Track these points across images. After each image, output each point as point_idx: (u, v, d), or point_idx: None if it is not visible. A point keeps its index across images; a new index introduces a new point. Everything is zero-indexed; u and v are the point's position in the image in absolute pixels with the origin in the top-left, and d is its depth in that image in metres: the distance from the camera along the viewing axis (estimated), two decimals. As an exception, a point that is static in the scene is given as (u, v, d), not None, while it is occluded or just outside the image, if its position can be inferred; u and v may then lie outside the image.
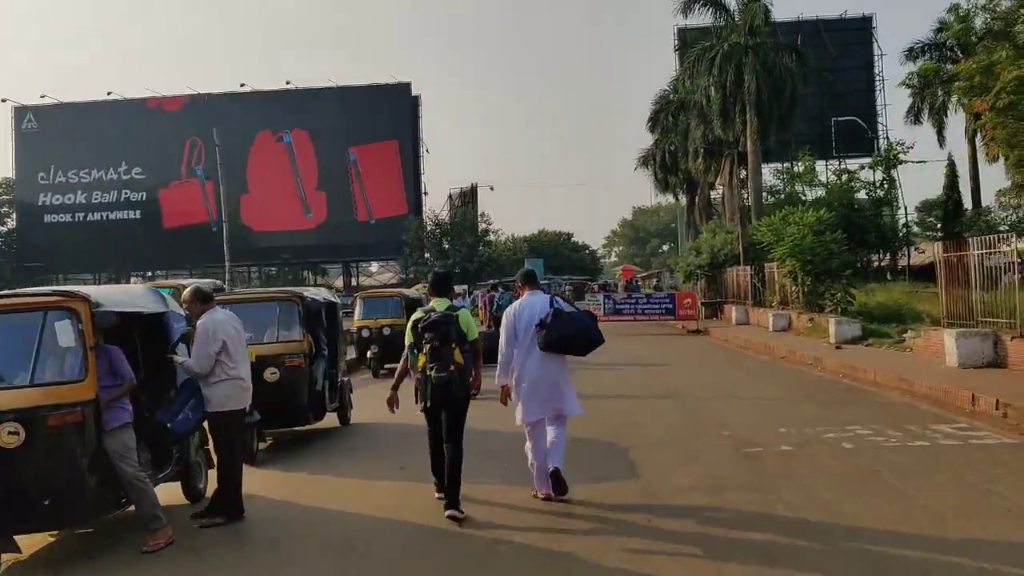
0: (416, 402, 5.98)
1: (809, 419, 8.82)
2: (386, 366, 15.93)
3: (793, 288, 21.01)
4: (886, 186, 38.20)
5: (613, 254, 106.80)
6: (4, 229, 60.35)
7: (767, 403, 10.36)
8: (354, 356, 16.07)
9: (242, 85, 58.25)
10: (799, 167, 37.05)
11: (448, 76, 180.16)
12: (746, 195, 28.95)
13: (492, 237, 50.67)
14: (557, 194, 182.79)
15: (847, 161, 43.34)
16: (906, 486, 6.01)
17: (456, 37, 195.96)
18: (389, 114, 55.88)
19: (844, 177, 38.87)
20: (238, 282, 60.77)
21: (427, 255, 48.52)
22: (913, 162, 38.07)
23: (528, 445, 6.24)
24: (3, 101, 58.22)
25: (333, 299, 9.87)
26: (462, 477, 5.88)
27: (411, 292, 17.21)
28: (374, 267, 76.96)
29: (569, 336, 6.07)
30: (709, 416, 9.46)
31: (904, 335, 16.06)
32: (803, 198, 36.03)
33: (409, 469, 7.20)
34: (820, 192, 38.59)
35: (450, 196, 56.14)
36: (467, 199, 54.32)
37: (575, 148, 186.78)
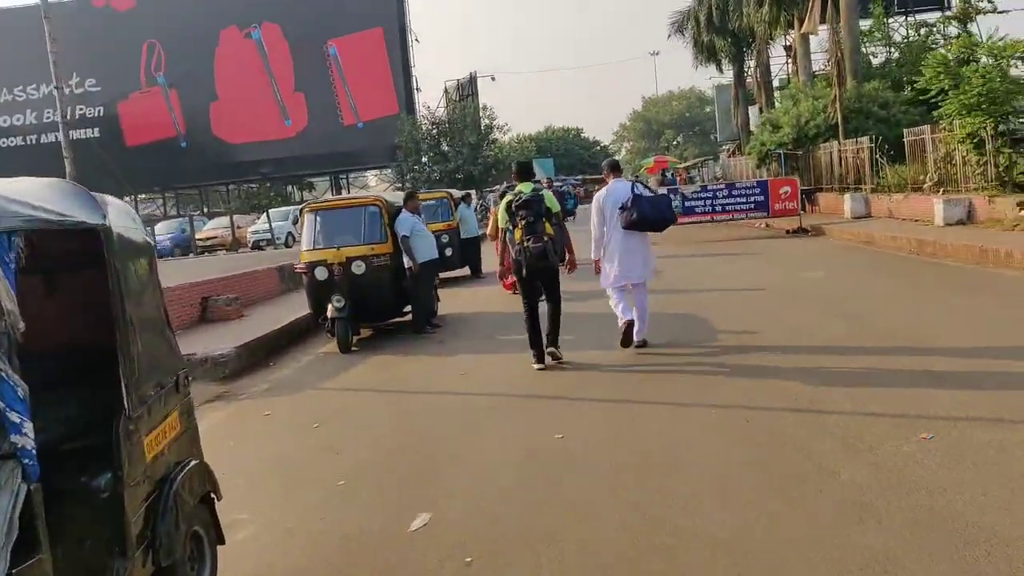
0: (509, 275, 7.84)
1: None
2: (363, 329, 10.08)
3: (976, 161, 14.65)
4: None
5: (624, 150, 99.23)
6: (-43, 158, 54.06)
7: None
8: (308, 312, 10.15)
9: (198, -28, 50.47)
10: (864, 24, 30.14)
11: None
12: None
13: (498, 135, 43.78)
14: (563, 85, 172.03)
15: (914, 16, 36.23)
16: None
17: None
18: (371, -2, 48.24)
19: (923, 31, 32.20)
20: (217, 203, 54.67)
21: (424, 159, 41.90)
22: (990, 12, 31.13)
23: (613, 300, 7.45)
24: (-69, 8, 50.88)
25: (89, 219, 2.97)
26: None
27: (391, 196, 11.08)
28: (371, 178, 70.33)
29: (647, 217, 7.22)
30: None
31: None
32: (872, 60, 29.93)
33: None
34: (894, 54, 32.31)
35: (446, 90, 49.12)
36: (466, 92, 47.26)
37: (579, 31, 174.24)
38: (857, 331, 7.50)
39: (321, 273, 9.49)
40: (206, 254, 28.37)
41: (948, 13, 32.72)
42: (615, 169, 7.72)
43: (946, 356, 6.22)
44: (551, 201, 7.11)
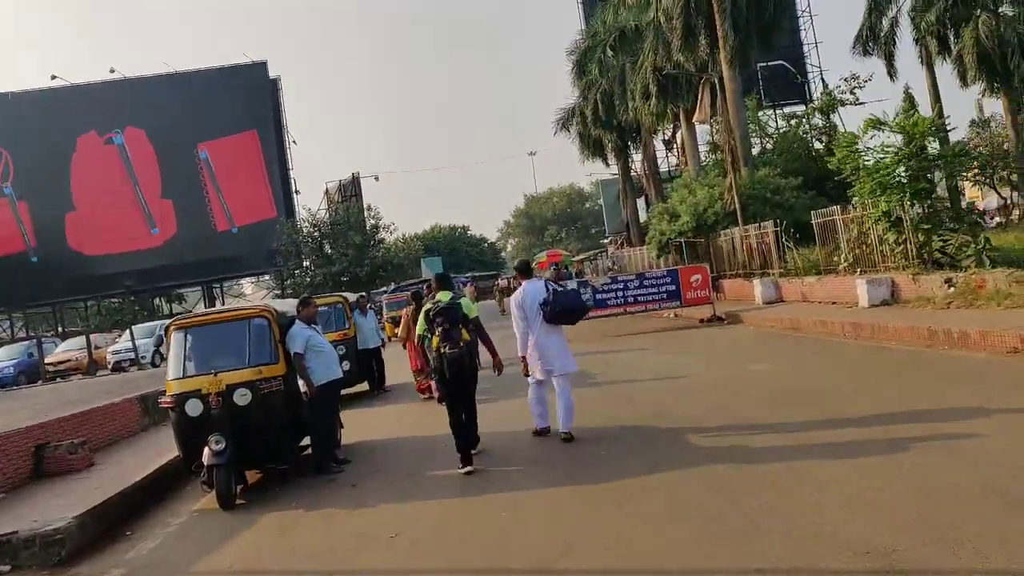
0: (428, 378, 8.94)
1: None
2: (248, 471, 7.99)
3: (894, 240, 14.35)
4: (828, 133, 33.78)
5: (509, 245, 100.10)
6: None
7: None
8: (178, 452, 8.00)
9: (53, 77, 47.69)
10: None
11: (307, 57, 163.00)
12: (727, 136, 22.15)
13: (384, 235, 42.31)
14: (448, 184, 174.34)
15: (781, 110, 38.69)
16: None
17: (315, 9, 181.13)
18: (244, 101, 46.71)
19: (794, 122, 34.28)
20: (76, 320, 50.00)
21: (306, 263, 39.73)
22: (851, 104, 33.61)
23: (531, 392, 8.01)
24: None
25: None
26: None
27: (281, 304, 9.14)
28: (247, 286, 66.85)
29: (566, 309, 7.82)
30: None
31: None
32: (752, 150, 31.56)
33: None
34: (768, 144, 34.18)
35: (327, 191, 47.65)
36: (349, 193, 45.91)
37: (464, 133, 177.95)
38: (870, 440, 6.23)
39: (194, 407, 7.42)
40: (58, 380, 24.91)
41: (812, 105, 34.90)
42: (527, 271, 8.26)
43: (1009, 475, 4.99)
44: (468, 307, 7.42)
